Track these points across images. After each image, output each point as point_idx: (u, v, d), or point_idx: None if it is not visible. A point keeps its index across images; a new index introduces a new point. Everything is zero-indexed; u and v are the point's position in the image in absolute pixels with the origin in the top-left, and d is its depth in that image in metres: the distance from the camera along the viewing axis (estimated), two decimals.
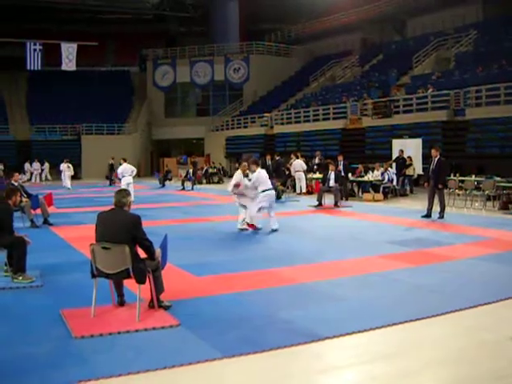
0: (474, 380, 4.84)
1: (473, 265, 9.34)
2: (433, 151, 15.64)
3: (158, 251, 6.79)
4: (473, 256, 10.04)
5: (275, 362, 5.22)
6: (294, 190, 24.92)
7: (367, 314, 6.60)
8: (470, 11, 38.07)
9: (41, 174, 39.75)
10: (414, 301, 7.15)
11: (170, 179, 35.95)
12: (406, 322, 6.24)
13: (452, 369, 5.07)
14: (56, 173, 36.17)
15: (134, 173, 22.54)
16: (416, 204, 18.89)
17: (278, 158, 25.91)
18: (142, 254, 6.70)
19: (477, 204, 18.20)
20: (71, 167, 33.09)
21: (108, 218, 6.65)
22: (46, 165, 40.39)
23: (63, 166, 32.70)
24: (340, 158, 22.46)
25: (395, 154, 24.52)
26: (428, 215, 15.39)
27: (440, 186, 15.26)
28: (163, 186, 32.63)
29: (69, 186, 31.26)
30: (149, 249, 6.66)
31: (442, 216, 15.20)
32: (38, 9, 49.54)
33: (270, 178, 24.26)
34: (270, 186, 13.62)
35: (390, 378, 4.92)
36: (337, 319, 6.40)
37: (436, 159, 15.38)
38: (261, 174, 13.50)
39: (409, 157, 23.74)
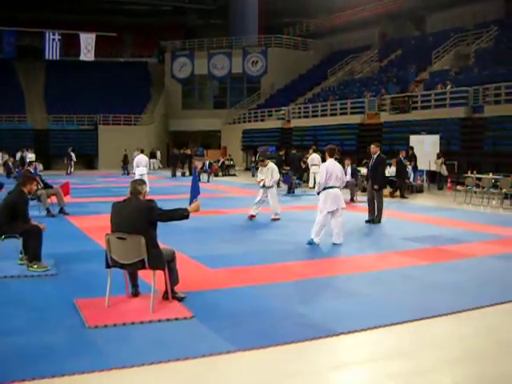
0: (490, 379, 4.79)
1: (489, 263, 9.27)
2: (372, 147, 13.85)
3: (193, 205, 7.00)
4: (489, 254, 9.95)
5: (288, 356, 5.19)
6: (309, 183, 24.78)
7: (382, 310, 6.56)
8: (491, 7, 37.62)
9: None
10: (429, 298, 7.08)
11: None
12: (422, 319, 6.19)
13: (468, 367, 5.02)
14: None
15: (148, 165, 22.68)
16: (432, 201, 18.76)
17: (293, 152, 26.05)
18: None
19: (494, 202, 18.06)
20: (73, 155, 32.33)
21: (123, 207, 6.61)
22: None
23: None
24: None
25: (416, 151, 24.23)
26: (371, 220, 13.76)
27: (376, 187, 13.59)
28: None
29: None
30: (173, 216, 6.66)
31: (378, 220, 13.65)
32: None
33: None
34: None
35: (405, 375, 4.87)
36: (351, 315, 6.37)
37: (375, 156, 13.76)
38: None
39: (438, 153, 23.56)
